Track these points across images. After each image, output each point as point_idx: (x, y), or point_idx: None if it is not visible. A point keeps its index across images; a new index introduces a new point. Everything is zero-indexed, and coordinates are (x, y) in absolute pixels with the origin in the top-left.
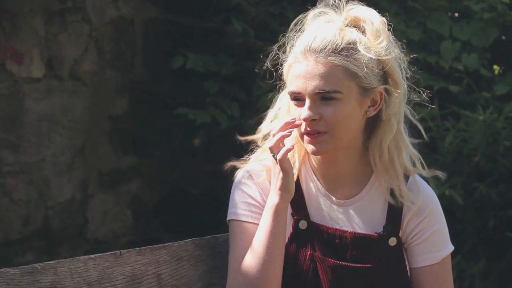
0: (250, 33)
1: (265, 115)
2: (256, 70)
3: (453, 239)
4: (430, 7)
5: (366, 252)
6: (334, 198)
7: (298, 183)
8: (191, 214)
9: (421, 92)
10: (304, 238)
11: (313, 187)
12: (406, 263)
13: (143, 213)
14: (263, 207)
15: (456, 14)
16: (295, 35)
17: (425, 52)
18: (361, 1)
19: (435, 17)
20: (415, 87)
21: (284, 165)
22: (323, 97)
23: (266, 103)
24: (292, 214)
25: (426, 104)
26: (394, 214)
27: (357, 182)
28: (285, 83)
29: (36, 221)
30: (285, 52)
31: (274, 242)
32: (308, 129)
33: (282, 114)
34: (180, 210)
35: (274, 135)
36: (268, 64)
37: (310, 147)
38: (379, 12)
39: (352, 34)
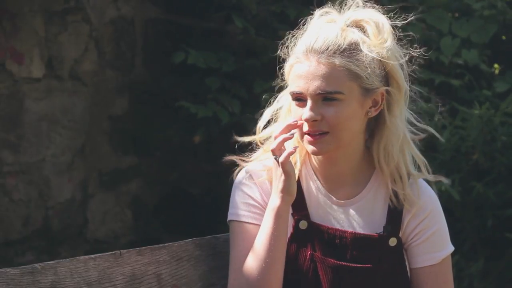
0: (251, 31)
1: (262, 113)
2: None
3: (452, 239)
4: (430, 5)
5: (366, 252)
6: (334, 198)
7: (298, 183)
8: (191, 214)
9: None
10: (304, 238)
11: (313, 187)
12: (406, 263)
13: (143, 213)
14: (264, 207)
15: (456, 14)
16: (296, 35)
17: (425, 48)
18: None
19: (435, 13)
20: (418, 90)
21: (286, 168)
22: (325, 98)
23: (267, 101)
24: (292, 214)
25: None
26: (395, 214)
27: (358, 182)
28: (285, 82)
29: (36, 221)
30: (288, 49)
31: (276, 244)
32: (310, 129)
33: (283, 114)
34: (180, 210)
35: (276, 137)
36: (280, 53)
37: (310, 148)
38: (379, 11)
39: (354, 35)
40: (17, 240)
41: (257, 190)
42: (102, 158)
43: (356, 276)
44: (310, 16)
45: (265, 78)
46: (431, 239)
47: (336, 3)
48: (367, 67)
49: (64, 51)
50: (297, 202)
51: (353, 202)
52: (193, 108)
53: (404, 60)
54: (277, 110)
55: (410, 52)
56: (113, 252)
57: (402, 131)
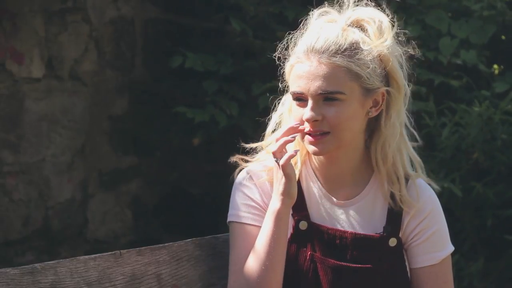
0: (249, 33)
1: (269, 118)
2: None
3: (452, 239)
4: (429, 5)
5: (366, 252)
6: (334, 199)
7: (298, 183)
8: (191, 214)
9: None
10: (304, 238)
11: (313, 187)
12: (406, 263)
13: (143, 213)
14: (264, 209)
15: (450, 14)
16: (296, 35)
17: (424, 48)
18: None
19: (434, 14)
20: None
21: (287, 170)
22: (326, 98)
23: (265, 102)
24: (292, 214)
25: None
26: (394, 214)
27: (358, 182)
28: (286, 82)
29: (36, 221)
30: (287, 49)
31: (276, 246)
32: (311, 129)
33: (285, 115)
34: (180, 210)
35: (277, 140)
36: (278, 51)
37: (312, 148)
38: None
39: (355, 35)
40: (17, 240)
41: (257, 191)
42: (102, 158)
43: (356, 277)
44: (308, 16)
45: (263, 80)
46: (431, 239)
47: (336, 4)
48: (368, 67)
49: (64, 51)
50: (297, 203)
51: (353, 203)
52: (190, 113)
53: (403, 59)
54: (282, 114)
55: (409, 51)
56: (113, 252)
57: (400, 131)
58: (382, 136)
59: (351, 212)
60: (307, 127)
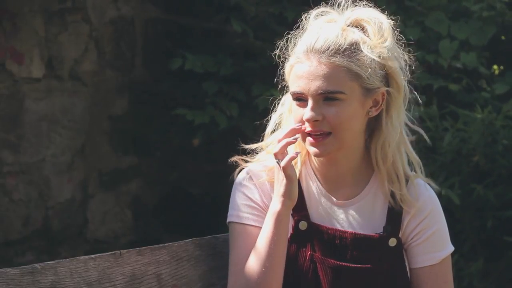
0: (249, 33)
1: (268, 119)
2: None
3: (452, 239)
4: (429, 6)
5: (366, 252)
6: (334, 199)
7: (298, 183)
8: (191, 214)
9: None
10: (304, 238)
11: (313, 187)
12: (406, 263)
13: (143, 213)
14: (263, 209)
15: (449, 15)
16: (296, 35)
17: (424, 51)
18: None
19: (433, 16)
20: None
21: (288, 172)
22: (326, 98)
23: (265, 103)
24: (292, 214)
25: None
26: (394, 214)
27: (358, 182)
28: (286, 82)
29: (36, 221)
30: (287, 50)
31: (276, 248)
32: (311, 130)
33: (285, 116)
34: (180, 210)
35: (279, 141)
36: (277, 52)
37: (313, 150)
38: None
39: (355, 35)
40: (17, 240)
41: (257, 191)
42: (102, 158)
43: (356, 277)
44: (305, 16)
45: (263, 81)
46: (431, 239)
47: (335, 4)
48: (368, 67)
49: (64, 51)
50: (297, 203)
51: (353, 203)
52: (190, 115)
53: (403, 60)
54: (282, 114)
55: (409, 54)
56: (113, 252)
57: (399, 131)
58: (382, 136)
59: (351, 212)
60: (307, 127)
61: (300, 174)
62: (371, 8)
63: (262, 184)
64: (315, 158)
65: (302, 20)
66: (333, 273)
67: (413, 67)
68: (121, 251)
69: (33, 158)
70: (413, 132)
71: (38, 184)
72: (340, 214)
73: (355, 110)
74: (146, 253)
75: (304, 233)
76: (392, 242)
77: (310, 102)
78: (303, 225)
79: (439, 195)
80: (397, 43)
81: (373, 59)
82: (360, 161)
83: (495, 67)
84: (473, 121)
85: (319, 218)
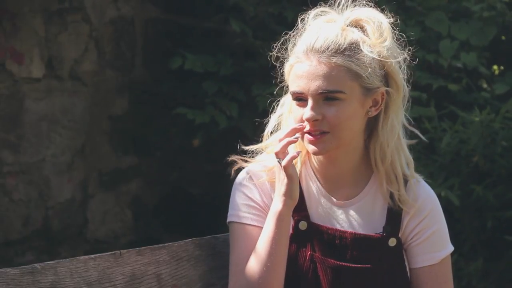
0: (249, 33)
1: (267, 120)
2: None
3: (452, 240)
4: (429, 6)
5: (366, 252)
6: (334, 199)
7: (298, 183)
8: (191, 214)
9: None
10: (304, 238)
11: (313, 187)
12: (406, 263)
13: (143, 213)
14: (264, 209)
15: (449, 15)
16: (295, 35)
17: (424, 50)
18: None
19: (433, 16)
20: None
21: (289, 171)
22: (326, 97)
23: (265, 103)
24: (292, 215)
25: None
26: (394, 214)
27: (357, 182)
28: (286, 83)
29: (36, 221)
30: (286, 50)
31: (277, 248)
32: (311, 129)
33: (285, 116)
34: (180, 210)
35: (280, 140)
36: (275, 53)
37: (311, 148)
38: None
39: (354, 34)
40: (17, 240)
41: (257, 191)
42: (102, 158)
43: (355, 276)
44: (304, 16)
45: (263, 81)
46: (430, 239)
47: (334, 4)
48: (367, 67)
49: (64, 51)
50: (297, 203)
51: (353, 203)
52: (190, 114)
53: (402, 60)
54: (281, 115)
55: (407, 53)
56: (113, 252)
57: (398, 131)
58: (381, 136)
59: (351, 212)
60: (307, 126)
61: (300, 174)
62: (370, 8)
63: (262, 184)
64: (315, 158)
65: (301, 20)
66: (333, 273)
67: (412, 68)
68: (121, 251)
69: (33, 158)
70: (410, 133)
71: (38, 184)
72: (340, 214)
73: (355, 109)
74: (146, 253)
75: (304, 233)
76: (392, 242)
77: (310, 102)
78: (303, 225)
79: (438, 197)
80: (396, 42)
81: (373, 59)
82: (360, 161)
83: (495, 67)
84: (471, 123)
85: (319, 218)
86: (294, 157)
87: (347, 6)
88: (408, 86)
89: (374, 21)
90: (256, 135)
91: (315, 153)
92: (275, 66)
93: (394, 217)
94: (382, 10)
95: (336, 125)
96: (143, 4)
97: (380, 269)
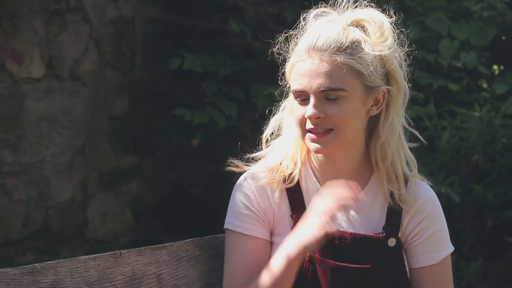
0: (248, 33)
1: (267, 123)
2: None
3: (452, 239)
4: (429, 7)
5: (365, 253)
6: None
7: (298, 184)
8: (191, 214)
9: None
10: None
11: (313, 188)
12: (406, 263)
13: (143, 213)
14: (261, 215)
15: (450, 15)
16: (296, 34)
17: (424, 50)
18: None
19: (433, 16)
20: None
21: (323, 237)
22: (328, 95)
23: (264, 103)
24: (291, 215)
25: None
26: (394, 214)
27: (358, 182)
28: (287, 83)
29: (36, 221)
30: (287, 50)
31: (282, 284)
32: (312, 127)
33: (286, 116)
34: (180, 210)
35: (331, 208)
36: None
37: (313, 146)
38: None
39: (356, 33)
40: (17, 240)
41: (255, 198)
42: (102, 158)
43: (355, 277)
44: (304, 16)
45: (262, 81)
46: (431, 239)
47: (335, 4)
48: (369, 65)
49: (64, 51)
50: (296, 203)
51: None
52: (189, 115)
53: (403, 59)
54: (282, 119)
55: (408, 50)
56: (113, 252)
57: (398, 130)
58: (382, 135)
59: (351, 212)
60: (308, 124)
61: (300, 174)
62: (371, 9)
63: (261, 188)
64: (315, 158)
65: (301, 20)
66: (333, 273)
67: (411, 66)
68: (121, 251)
69: (33, 158)
70: (410, 134)
71: (38, 184)
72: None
73: (357, 107)
74: (146, 253)
75: None
76: (392, 242)
77: (312, 100)
78: None
79: (439, 194)
80: (396, 41)
81: (374, 57)
82: (361, 160)
83: (495, 67)
84: (471, 119)
85: None
86: (334, 233)
87: (348, 7)
88: (408, 86)
89: (375, 21)
90: (255, 136)
91: (317, 151)
92: (276, 66)
93: (394, 217)
94: (384, 10)
95: (339, 123)
96: (143, 4)
97: (379, 269)
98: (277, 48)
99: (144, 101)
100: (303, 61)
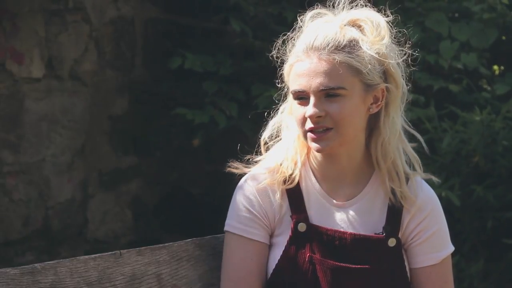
0: (248, 33)
1: (266, 124)
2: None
3: (452, 240)
4: (428, 7)
5: (365, 253)
6: (334, 200)
7: (298, 184)
8: (191, 214)
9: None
10: (303, 240)
11: (313, 188)
12: (406, 263)
13: (143, 213)
14: (262, 217)
15: (449, 14)
16: (293, 36)
17: (424, 51)
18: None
19: (433, 16)
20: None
21: None
22: (327, 94)
23: (264, 103)
24: (291, 216)
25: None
26: (394, 214)
27: (358, 182)
28: (285, 84)
29: (36, 221)
30: (285, 53)
31: None
32: (314, 126)
33: (285, 122)
34: (180, 210)
35: None
36: (275, 51)
37: (314, 145)
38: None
39: (353, 32)
40: (17, 240)
41: (256, 200)
42: (102, 158)
43: (355, 277)
44: (301, 17)
45: (263, 81)
46: (431, 239)
47: (331, 5)
48: (367, 63)
49: (64, 51)
50: (296, 204)
51: (353, 203)
52: (190, 115)
53: (401, 59)
54: (281, 121)
55: (405, 51)
56: (113, 252)
57: (399, 129)
58: (382, 133)
59: (351, 213)
60: (309, 124)
61: (299, 175)
62: (367, 9)
63: (262, 189)
64: (315, 159)
65: (300, 20)
66: (333, 274)
67: (410, 67)
68: (121, 251)
69: (33, 158)
70: (410, 135)
71: (38, 184)
72: (340, 215)
73: (357, 105)
74: (146, 253)
75: (303, 235)
76: (392, 242)
77: (312, 99)
78: (301, 227)
79: (439, 197)
80: (394, 40)
81: (372, 56)
82: (361, 160)
83: (495, 67)
84: (472, 123)
85: (318, 219)
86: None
87: (343, 8)
88: (407, 85)
89: (371, 20)
90: (256, 135)
91: (318, 150)
92: (276, 67)
93: (394, 217)
94: (380, 10)
95: (339, 121)
96: (143, 4)
97: (379, 269)
98: (275, 52)
99: (144, 101)
100: (302, 61)
